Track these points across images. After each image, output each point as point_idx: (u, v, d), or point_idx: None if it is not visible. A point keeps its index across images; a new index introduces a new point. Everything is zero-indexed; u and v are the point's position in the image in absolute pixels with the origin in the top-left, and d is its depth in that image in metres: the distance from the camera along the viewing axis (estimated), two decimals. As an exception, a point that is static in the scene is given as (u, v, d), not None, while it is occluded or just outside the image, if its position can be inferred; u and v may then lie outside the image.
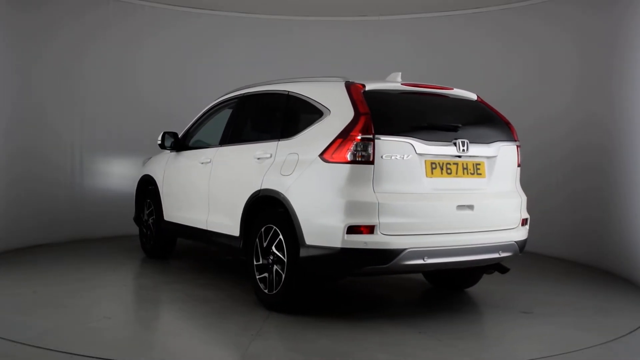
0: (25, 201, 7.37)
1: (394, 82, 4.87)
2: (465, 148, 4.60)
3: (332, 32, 9.12)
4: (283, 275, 4.65)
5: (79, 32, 8.06)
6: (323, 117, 4.65)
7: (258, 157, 5.08)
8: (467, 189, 4.69)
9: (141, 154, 8.63)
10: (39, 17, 7.56)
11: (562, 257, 7.40)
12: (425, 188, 4.47)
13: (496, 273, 5.20)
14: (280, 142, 4.93)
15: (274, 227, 4.74)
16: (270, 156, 4.94)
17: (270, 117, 5.48)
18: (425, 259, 4.36)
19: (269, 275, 4.80)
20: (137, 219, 7.21)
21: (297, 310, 4.76)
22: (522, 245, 5.00)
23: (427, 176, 4.48)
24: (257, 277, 4.91)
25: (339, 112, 4.52)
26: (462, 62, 8.53)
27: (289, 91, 5.16)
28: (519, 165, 5.06)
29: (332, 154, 4.38)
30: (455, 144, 4.58)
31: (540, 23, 7.89)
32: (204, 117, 6.47)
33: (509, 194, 4.94)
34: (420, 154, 4.45)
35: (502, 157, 4.86)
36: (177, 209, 6.35)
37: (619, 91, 6.64)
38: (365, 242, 4.23)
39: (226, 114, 6.05)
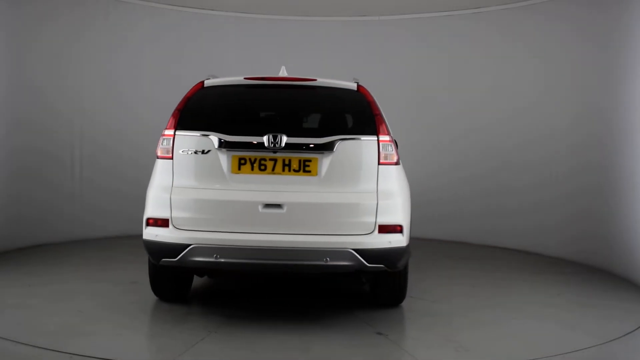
0: (26, 201, 7.37)
1: (237, 77, 4.80)
2: (277, 142, 4.32)
3: (332, 32, 9.11)
4: None
5: (76, 26, 8.03)
6: None
7: None
8: (281, 187, 4.38)
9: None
10: (34, 10, 7.51)
11: (560, 256, 7.38)
12: (227, 184, 4.38)
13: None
14: None
15: None
16: None
17: None
18: (217, 257, 4.22)
19: None
20: None
21: (170, 298, 5.03)
22: (373, 254, 4.27)
23: (232, 172, 4.39)
24: None
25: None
26: (462, 62, 8.52)
27: None
28: (388, 164, 4.45)
29: (157, 150, 4.58)
30: (266, 139, 4.34)
31: (541, 23, 7.87)
32: None
33: (357, 196, 4.39)
34: (222, 149, 4.39)
35: (348, 153, 4.42)
36: None
37: (621, 88, 6.62)
38: (157, 235, 4.34)
39: None
